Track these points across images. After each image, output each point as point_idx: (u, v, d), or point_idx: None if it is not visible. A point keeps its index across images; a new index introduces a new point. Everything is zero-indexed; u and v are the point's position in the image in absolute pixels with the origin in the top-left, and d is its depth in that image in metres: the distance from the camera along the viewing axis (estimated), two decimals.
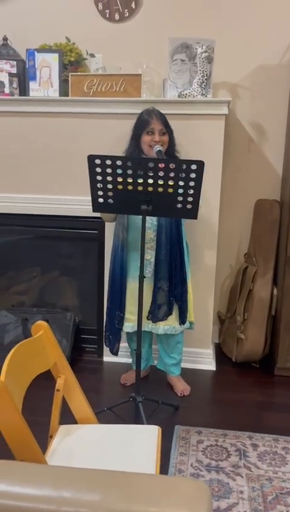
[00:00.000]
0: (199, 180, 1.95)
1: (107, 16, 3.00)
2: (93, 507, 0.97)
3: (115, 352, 2.60)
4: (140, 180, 1.98)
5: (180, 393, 2.66)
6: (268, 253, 2.98)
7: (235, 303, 3.08)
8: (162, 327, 2.57)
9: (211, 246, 2.86)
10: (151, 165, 1.93)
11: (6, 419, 1.19)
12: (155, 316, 2.52)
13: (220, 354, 3.14)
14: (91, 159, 1.97)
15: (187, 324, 2.63)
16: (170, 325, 2.57)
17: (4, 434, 1.21)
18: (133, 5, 2.96)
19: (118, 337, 2.59)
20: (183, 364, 2.81)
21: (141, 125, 2.44)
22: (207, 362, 2.98)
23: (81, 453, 1.44)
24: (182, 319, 2.57)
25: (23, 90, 2.90)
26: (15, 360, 1.31)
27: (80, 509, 0.97)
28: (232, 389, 2.74)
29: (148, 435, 1.52)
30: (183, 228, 2.57)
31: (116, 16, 3.00)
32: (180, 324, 2.58)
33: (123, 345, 2.75)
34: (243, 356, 2.95)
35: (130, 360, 2.88)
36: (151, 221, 2.45)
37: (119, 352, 2.64)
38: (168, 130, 2.47)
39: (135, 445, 1.49)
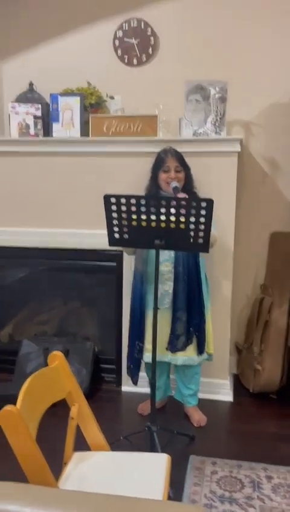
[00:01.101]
0: (209, 216, 2.04)
1: (126, 61, 3.18)
2: None
3: (135, 382, 2.66)
4: (153, 217, 2.09)
5: (197, 424, 2.69)
6: (284, 284, 3.03)
7: (252, 334, 3.12)
8: (181, 358, 2.62)
9: (227, 277, 2.93)
10: (163, 203, 2.04)
11: (21, 446, 1.28)
12: (174, 346, 2.58)
13: (238, 385, 3.16)
14: (107, 198, 2.10)
15: (205, 355, 2.68)
16: (188, 356, 2.62)
17: (19, 459, 1.29)
18: (150, 51, 3.14)
19: (139, 366, 2.66)
20: (201, 395, 2.85)
21: (158, 164, 2.59)
22: (224, 393, 3.01)
23: (93, 479, 1.51)
24: (200, 350, 2.62)
25: (47, 131, 3.09)
26: (31, 389, 1.40)
27: None
28: (249, 420, 2.76)
29: (157, 463, 1.58)
30: (202, 261, 2.65)
31: (135, 61, 3.17)
32: (198, 355, 2.63)
33: (142, 374, 2.80)
34: (260, 387, 2.96)
35: (148, 390, 2.91)
36: (169, 253, 2.55)
37: (138, 382, 2.70)
38: (184, 167, 2.59)
39: (144, 472, 1.56)
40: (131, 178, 2.82)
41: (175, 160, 2.56)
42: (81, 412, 1.66)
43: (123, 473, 1.56)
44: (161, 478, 1.49)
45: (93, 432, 1.68)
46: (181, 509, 1.10)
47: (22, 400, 1.32)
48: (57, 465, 1.58)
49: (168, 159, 2.57)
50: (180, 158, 2.59)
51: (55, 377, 1.59)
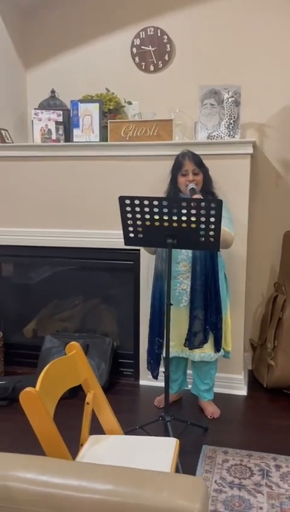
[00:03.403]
0: (218, 216, 2.15)
1: (143, 67, 3.32)
2: (106, 494, 1.17)
3: (155, 376, 2.76)
4: (166, 217, 2.20)
5: (210, 416, 2.80)
6: None
7: (266, 331, 3.20)
8: (198, 354, 2.72)
9: (241, 276, 3.02)
10: (175, 204, 2.16)
11: (39, 423, 1.42)
12: (191, 343, 2.68)
13: (253, 381, 3.24)
14: (122, 199, 2.22)
15: (222, 352, 2.78)
16: (205, 352, 2.72)
17: (38, 436, 1.43)
18: (166, 57, 3.26)
19: (159, 361, 2.77)
20: (216, 389, 2.94)
21: (176, 168, 2.68)
22: (239, 387, 3.10)
23: (106, 459, 1.64)
24: (217, 347, 2.71)
25: (68, 136, 3.24)
26: (49, 374, 1.54)
27: (95, 496, 1.17)
28: (262, 414, 2.85)
29: (166, 446, 1.70)
30: (221, 260, 2.74)
31: (151, 67, 3.31)
32: (215, 352, 2.73)
33: (161, 369, 2.91)
34: (274, 382, 3.05)
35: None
36: (187, 253, 2.66)
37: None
38: (202, 169, 2.67)
39: (154, 453, 1.68)
40: (148, 180, 2.95)
41: (192, 164, 2.64)
42: (96, 398, 1.79)
43: (134, 453, 1.69)
44: (169, 458, 1.60)
45: (107, 417, 1.81)
46: (182, 479, 1.21)
47: (40, 382, 1.46)
48: (75, 448, 1.71)
49: (186, 163, 2.64)
50: (197, 161, 2.66)
51: (72, 365, 1.73)
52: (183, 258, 2.66)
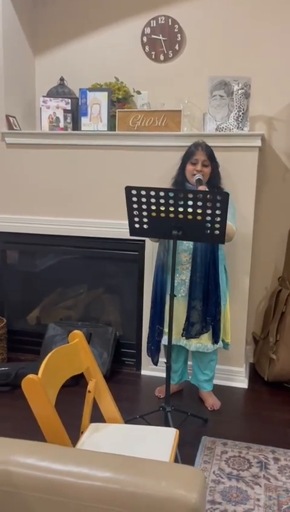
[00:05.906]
0: (224, 209, 2.14)
1: (153, 57, 3.29)
2: (105, 481, 1.18)
3: (155, 363, 2.79)
4: (171, 208, 2.20)
5: (210, 407, 2.81)
6: None
7: (268, 324, 3.21)
8: (194, 344, 2.74)
9: (245, 269, 3.02)
10: (181, 195, 2.15)
11: (40, 410, 1.43)
12: (188, 333, 2.69)
13: (254, 374, 3.25)
14: (128, 189, 2.22)
15: (220, 344, 2.78)
16: (202, 343, 2.73)
17: (39, 422, 1.45)
18: (176, 47, 3.23)
19: (159, 348, 2.78)
20: (217, 381, 2.97)
21: (187, 156, 2.67)
22: (239, 380, 3.12)
23: (106, 446, 1.66)
24: (215, 339, 2.72)
25: (76, 125, 3.23)
26: (51, 362, 1.55)
27: (95, 483, 1.19)
28: (262, 407, 2.86)
29: (166, 435, 1.71)
30: (222, 253, 2.74)
31: (161, 57, 3.28)
32: (213, 343, 2.74)
33: (161, 359, 2.93)
34: (274, 376, 3.06)
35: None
36: (188, 244, 2.66)
37: (157, 367, 2.84)
38: (212, 162, 2.66)
39: (153, 442, 1.69)
40: (155, 171, 2.95)
41: (204, 154, 2.62)
42: (97, 386, 1.81)
43: (134, 442, 1.70)
44: (168, 448, 1.62)
45: (108, 405, 1.83)
46: (181, 469, 1.23)
47: (42, 370, 1.47)
48: (75, 435, 1.73)
49: (198, 152, 2.63)
50: (209, 153, 2.65)
51: (75, 353, 1.74)
52: (184, 249, 2.66)
